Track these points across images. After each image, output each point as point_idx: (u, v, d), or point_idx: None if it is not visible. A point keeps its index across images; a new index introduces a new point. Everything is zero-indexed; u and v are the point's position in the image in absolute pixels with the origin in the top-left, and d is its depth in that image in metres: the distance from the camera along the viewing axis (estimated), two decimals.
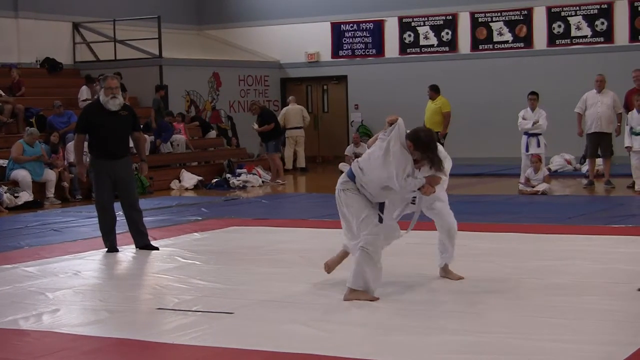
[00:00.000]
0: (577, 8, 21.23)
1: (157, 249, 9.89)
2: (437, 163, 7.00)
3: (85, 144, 10.10)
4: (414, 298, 7.31)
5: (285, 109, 21.99)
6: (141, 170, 10.88)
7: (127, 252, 10.06)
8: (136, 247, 9.92)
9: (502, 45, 22.01)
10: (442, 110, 18.35)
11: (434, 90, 18.36)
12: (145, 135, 19.23)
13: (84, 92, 19.52)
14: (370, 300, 7.00)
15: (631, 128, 14.86)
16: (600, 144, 15.96)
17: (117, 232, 11.72)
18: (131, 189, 10.16)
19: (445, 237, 7.92)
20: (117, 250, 9.84)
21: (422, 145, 6.93)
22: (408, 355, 5.60)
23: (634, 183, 15.15)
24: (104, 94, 9.79)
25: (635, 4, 20.72)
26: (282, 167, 19.32)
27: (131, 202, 10.03)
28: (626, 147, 15.00)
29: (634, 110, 14.94)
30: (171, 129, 19.72)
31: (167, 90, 21.25)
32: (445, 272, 8.01)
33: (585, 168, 17.36)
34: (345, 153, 21.06)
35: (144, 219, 12.98)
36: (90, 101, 18.40)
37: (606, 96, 15.87)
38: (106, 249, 9.87)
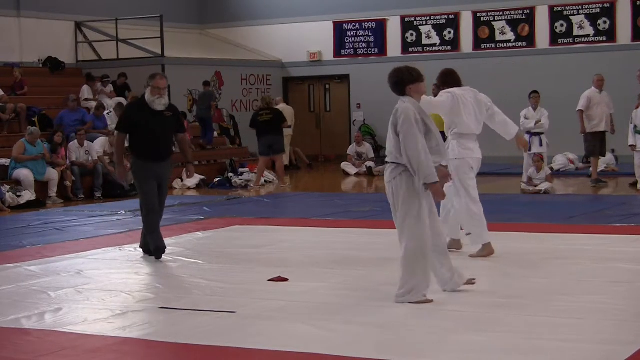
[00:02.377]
0: (580, 7, 21.22)
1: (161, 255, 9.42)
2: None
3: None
4: None
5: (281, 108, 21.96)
6: (189, 172, 10.45)
7: (129, 251, 10.08)
8: (144, 250, 9.56)
9: (504, 45, 22.01)
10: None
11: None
12: None
13: (85, 91, 19.57)
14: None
15: (635, 126, 14.84)
16: (603, 143, 15.99)
17: (118, 231, 11.76)
18: (165, 193, 9.76)
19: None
20: (158, 255, 9.32)
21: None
22: (408, 355, 5.61)
23: (636, 182, 15.15)
24: (150, 93, 9.31)
25: (638, 3, 20.70)
26: (263, 171, 18.69)
27: (162, 208, 9.65)
28: (630, 146, 14.98)
29: (639, 109, 14.93)
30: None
31: (169, 89, 21.21)
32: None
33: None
34: (348, 152, 21.07)
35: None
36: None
37: (606, 96, 15.90)
38: (142, 252, 9.51)
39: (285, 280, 7.95)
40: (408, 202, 6.90)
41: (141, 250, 9.61)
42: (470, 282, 7.41)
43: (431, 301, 6.92)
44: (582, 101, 16.07)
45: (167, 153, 9.49)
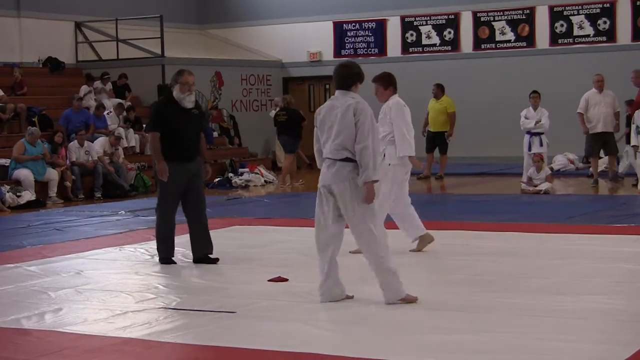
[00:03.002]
0: (580, 7, 21.22)
1: (216, 261, 9.02)
2: None
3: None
4: (415, 293, 7.33)
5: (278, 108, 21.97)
6: (207, 173, 9.63)
7: (129, 251, 10.08)
8: (194, 257, 9.08)
9: (504, 45, 22.01)
10: (447, 110, 18.40)
11: (441, 89, 18.40)
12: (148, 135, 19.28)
13: (84, 91, 19.56)
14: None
15: (637, 127, 14.85)
16: (605, 143, 15.97)
17: (118, 231, 11.75)
18: (202, 191, 9.27)
19: None
20: (173, 262, 9.02)
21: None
22: (408, 355, 5.61)
23: (638, 182, 15.16)
24: (179, 90, 8.92)
25: (638, 3, 20.70)
26: (288, 171, 18.61)
27: (204, 206, 9.27)
28: (633, 146, 14.99)
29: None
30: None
31: (169, 90, 21.21)
32: None
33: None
34: None
35: (148, 218, 13.05)
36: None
37: (607, 96, 15.90)
38: (159, 259, 9.09)
39: (285, 280, 7.95)
40: (365, 204, 6.85)
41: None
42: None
43: (416, 298, 6.96)
44: (581, 103, 16.09)
45: (196, 152, 9.11)
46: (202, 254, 9.02)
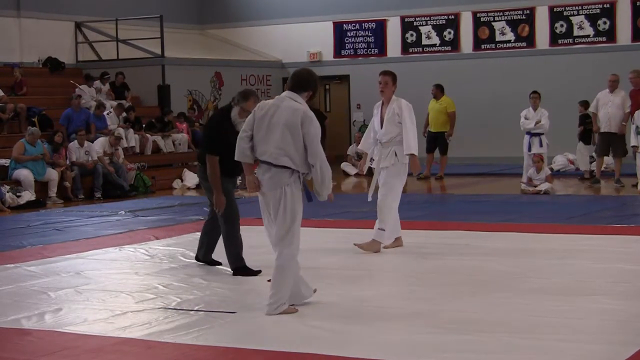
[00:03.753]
0: (580, 7, 21.24)
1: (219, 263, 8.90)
2: None
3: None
4: (414, 297, 7.34)
5: None
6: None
7: (129, 251, 10.08)
8: (203, 259, 9.00)
9: (504, 45, 22.03)
10: (447, 110, 18.43)
11: (440, 90, 18.42)
12: (148, 135, 19.33)
13: (79, 91, 19.57)
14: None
15: (637, 127, 14.85)
16: (611, 143, 15.98)
17: (118, 231, 11.78)
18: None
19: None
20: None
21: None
22: (408, 355, 5.62)
23: (638, 182, 15.16)
24: (238, 114, 8.53)
25: (638, 3, 20.71)
26: None
27: None
28: (633, 147, 14.99)
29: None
30: None
31: (169, 90, 21.29)
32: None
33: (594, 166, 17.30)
34: (348, 152, 21.12)
35: (148, 218, 13.07)
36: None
37: (617, 96, 15.88)
38: (242, 268, 8.59)
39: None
40: (297, 209, 6.74)
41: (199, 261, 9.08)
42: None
43: (297, 310, 6.77)
44: (593, 102, 16.15)
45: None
46: (211, 258, 8.99)
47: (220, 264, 8.86)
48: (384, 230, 9.49)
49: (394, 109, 9.53)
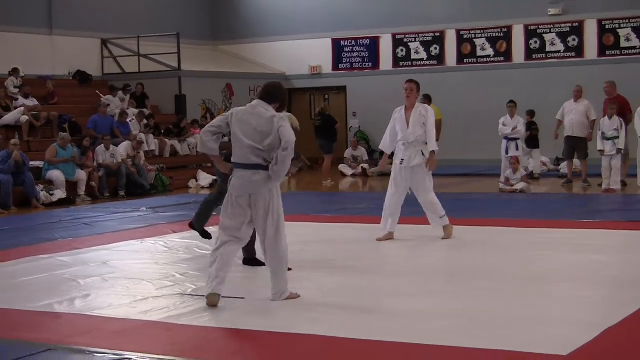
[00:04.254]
0: (552, 26, 21.27)
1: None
2: None
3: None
4: (407, 284, 7.35)
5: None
6: None
7: (150, 244, 10.09)
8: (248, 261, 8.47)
9: (485, 60, 22.03)
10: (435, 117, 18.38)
11: (428, 99, 18.39)
12: (166, 140, 19.34)
13: (107, 101, 19.61)
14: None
15: (603, 133, 14.84)
16: (575, 147, 15.96)
17: (139, 226, 11.77)
18: None
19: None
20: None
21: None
22: (404, 336, 5.61)
23: (602, 182, 15.14)
24: None
25: (603, 22, 20.74)
26: (327, 169, 18.66)
27: None
28: (599, 150, 14.98)
29: (606, 118, 14.91)
30: None
31: (185, 99, 21.30)
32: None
33: (563, 168, 17.30)
34: (345, 155, 21.11)
35: (166, 214, 13.06)
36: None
37: (581, 105, 15.87)
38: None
39: (289, 269, 7.95)
40: (280, 209, 6.64)
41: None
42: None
43: (299, 296, 6.73)
44: (560, 110, 16.14)
45: None
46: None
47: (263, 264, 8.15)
48: (444, 215, 9.64)
49: (420, 112, 9.60)
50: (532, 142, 17.58)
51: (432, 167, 9.61)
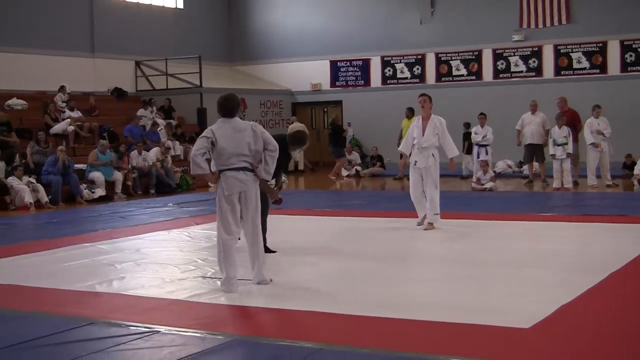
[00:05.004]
0: (515, 50, 21.28)
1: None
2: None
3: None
4: (394, 268, 7.36)
5: (291, 125, 22.00)
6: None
7: (175, 234, 10.09)
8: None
9: (459, 78, 22.04)
10: None
11: (411, 112, 18.44)
12: (190, 146, 19.33)
13: (141, 112, 19.70)
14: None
15: (554, 140, 14.89)
16: (534, 152, 15.98)
17: (167, 219, 11.76)
18: None
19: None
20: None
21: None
22: (391, 311, 5.61)
23: (554, 182, 15.15)
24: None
25: (558, 47, 20.77)
26: (339, 170, 19.32)
27: None
28: (551, 155, 15.02)
29: (556, 127, 14.95)
30: None
31: (206, 112, 21.32)
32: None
33: (525, 170, 17.31)
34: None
35: (189, 209, 13.04)
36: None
37: (537, 117, 15.90)
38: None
39: (274, 252, 7.86)
40: (261, 203, 6.60)
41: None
42: None
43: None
44: (519, 122, 16.14)
45: None
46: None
47: (275, 252, 8.20)
48: (437, 213, 9.65)
49: (435, 123, 9.68)
50: (469, 148, 18.01)
51: (452, 168, 9.79)
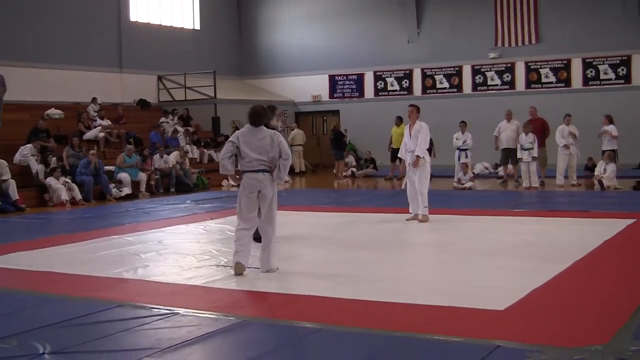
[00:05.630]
0: (491, 66, 21.29)
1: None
2: None
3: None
4: (383, 254, 7.35)
5: (293, 132, 22.13)
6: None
7: (193, 228, 10.08)
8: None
9: (442, 91, 22.04)
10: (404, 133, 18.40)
11: (399, 119, 18.47)
12: (205, 150, 19.33)
13: (162, 120, 19.72)
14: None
15: (521, 145, 14.95)
16: (509, 155, 15.99)
17: (185, 214, 11.70)
18: None
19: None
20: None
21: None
22: (386, 296, 5.61)
23: (522, 182, 15.17)
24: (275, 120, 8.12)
25: (529, 63, 20.78)
26: (340, 170, 19.17)
27: None
28: (518, 159, 15.07)
29: (523, 134, 15.01)
30: None
31: (219, 120, 21.32)
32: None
33: (500, 172, 17.33)
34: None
35: (205, 205, 13.01)
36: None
37: (512, 124, 15.91)
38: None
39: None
40: (276, 201, 6.67)
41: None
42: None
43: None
44: (496, 129, 16.15)
45: None
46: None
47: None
48: (426, 207, 9.71)
49: (416, 128, 9.66)
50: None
51: (415, 165, 9.73)
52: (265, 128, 6.63)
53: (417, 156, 9.67)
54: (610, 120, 15.67)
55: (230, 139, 6.69)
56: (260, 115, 6.63)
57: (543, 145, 15.52)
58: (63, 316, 5.19)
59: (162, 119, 19.68)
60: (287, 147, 6.60)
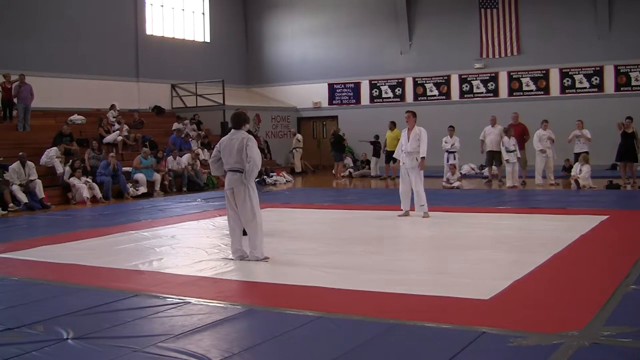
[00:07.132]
0: (477, 75, 21.29)
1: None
2: None
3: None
4: (379, 250, 7.35)
5: (295, 136, 22.17)
6: None
7: (203, 224, 10.08)
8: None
9: (432, 98, 22.03)
10: (397, 137, 18.34)
11: (393, 124, 18.47)
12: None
13: (175, 125, 19.73)
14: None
15: (506, 148, 14.98)
16: (494, 157, 16.00)
17: (196, 211, 11.67)
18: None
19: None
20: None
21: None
22: (380, 286, 5.61)
23: (506, 181, 15.17)
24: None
25: (511, 73, 20.79)
26: (339, 171, 19.17)
27: None
28: (505, 160, 15.10)
29: (506, 137, 15.06)
30: None
31: (228, 125, 21.28)
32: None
33: (485, 172, 17.34)
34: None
35: (214, 203, 13.01)
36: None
37: (496, 129, 15.92)
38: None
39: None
40: (255, 198, 6.75)
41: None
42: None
43: (269, 258, 6.79)
44: (482, 133, 16.17)
45: None
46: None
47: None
48: (424, 204, 9.71)
49: (416, 132, 9.72)
50: (377, 154, 19.14)
51: (421, 167, 9.78)
52: (242, 132, 6.75)
53: (423, 158, 9.75)
54: (582, 124, 15.77)
55: (216, 146, 6.94)
56: (239, 119, 6.78)
57: (523, 148, 15.58)
58: (85, 304, 5.20)
59: (175, 124, 19.68)
60: (253, 152, 6.65)
